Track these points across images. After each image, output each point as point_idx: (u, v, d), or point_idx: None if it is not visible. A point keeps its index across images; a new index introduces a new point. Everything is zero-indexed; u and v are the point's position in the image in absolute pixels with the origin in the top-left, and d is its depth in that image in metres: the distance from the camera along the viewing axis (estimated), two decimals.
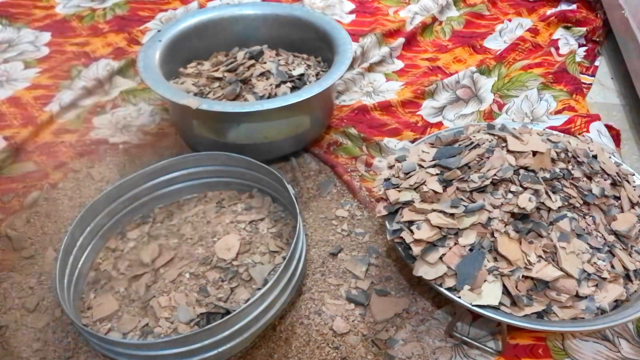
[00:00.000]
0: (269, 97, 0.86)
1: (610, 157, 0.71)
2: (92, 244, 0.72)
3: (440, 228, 0.61)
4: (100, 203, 0.73)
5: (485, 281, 0.58)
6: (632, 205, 0.66)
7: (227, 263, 0.69)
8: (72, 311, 0.62)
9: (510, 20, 1.31)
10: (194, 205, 0.81)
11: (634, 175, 0.71)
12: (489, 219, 0.61)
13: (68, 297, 0.64)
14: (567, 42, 1.21)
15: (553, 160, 0.65)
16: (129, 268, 0.71)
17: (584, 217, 0.63)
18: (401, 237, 0.62)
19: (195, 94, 0.88)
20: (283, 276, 0.62)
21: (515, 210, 0.60)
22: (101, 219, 0.73)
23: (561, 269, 0.58)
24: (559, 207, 0.62)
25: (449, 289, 0.58)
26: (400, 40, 1.20)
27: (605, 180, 0.66)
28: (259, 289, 0.65)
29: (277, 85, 0.88)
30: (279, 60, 0.95)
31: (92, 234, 0.72)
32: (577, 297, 0.58)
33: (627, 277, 0.61)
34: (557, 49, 1.19)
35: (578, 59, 1.16)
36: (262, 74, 0.90)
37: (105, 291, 0.69)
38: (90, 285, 0.70)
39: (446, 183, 0.65)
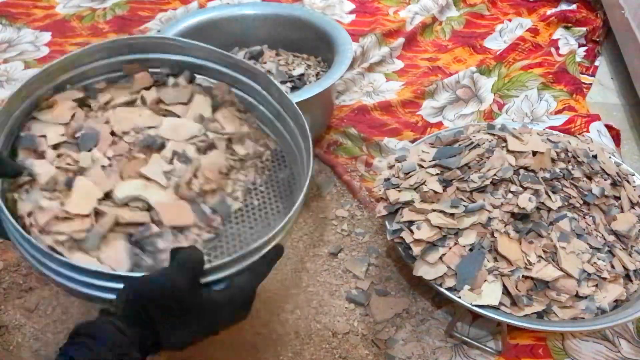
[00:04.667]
0: None
1: (610, 157, 0.71)
2: None
3: (440, 228, 0.61)
4: None
5: (485, 281, 0.58)
6: (632, 205, 0.66)
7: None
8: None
9: (510, 20, 1.31)
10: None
11: (634, 175, 0.71)
12: (489, 219, 0.61)
13: None
14: (567, 42, 1.21)
15: (553, 160, 0.65)
16: None
17: (584, 217, 0.63)
18: (401, 237, 0.62)
19: None
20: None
21: (515, 210, 0.60)
22: None
23: (561, 269, 0.58)
24: (559, 207, 0.62)
25: (449, 289, 0.58)
26: (400, 40, 1.20)
27: (605, 180, 0.66)
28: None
29: None
30: (279, 60, 0.95)
31: None
32: (577, 297, 0.58)
33: (627, 277, 0.61)
34: (557, 49, 1.19)
35: (578, 59, 1.16)
36: None
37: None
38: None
39: (446, 183, 0.65)
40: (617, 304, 0.60)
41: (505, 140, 0.67)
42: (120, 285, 0.42)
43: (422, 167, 0.68)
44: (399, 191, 0.67)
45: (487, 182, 0.62)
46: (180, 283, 0.41)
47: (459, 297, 0.57)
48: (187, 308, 0.41)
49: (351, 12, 1.35)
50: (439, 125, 1.00)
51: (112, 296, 0.42)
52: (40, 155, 0.54)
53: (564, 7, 1.34)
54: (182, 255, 0.42)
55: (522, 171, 0.63)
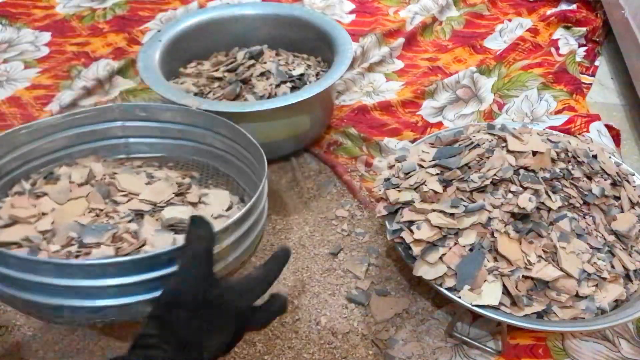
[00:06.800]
0: (269, 97, 0.86)
1: (610, 157, 0.71)
2: None
3: (440, 228, 0.61)
4: None
5: (485, 281, 0.58)
6: (632, 205, 0.66)
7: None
8: None
9: (510, 20, 1.31)
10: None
11: (634, 175, 0.71)
12: (489, 219, 0.61)
13: None
14: (567, 42, 1.21)
15: (553, 160, 0.65)
16: None
17: (584, 217, 0.63)
18: (401, 237, 0.62)
19: (196, 94, 0.88)
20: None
21: (515, 210, 0.60)
22: None
23: (561, 269, 0.58)
24: (559, 207, 0.62)
25: (449, 289, 0.58)
26: (400, 40, 1.20)
27: (605, 180, 0.66)
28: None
29: (277, 85, 0.88)
30: (279, 60, 0.95)
31: None
32: (577, 297, 0.58)
33: (627, 277, 0.61)
34: (557, 49, 1.19)
35: (578, 59, 1.16)
36: (262, 74, 0.90)
37: None
38: None
39: (446, 183, 0.65)
40: (617, 304, 0.60)
41: (505, 140, 0.67)
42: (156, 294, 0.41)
43: (422, 167, 0.68)
44: (399, 191, 0.67)
45: (487, 182, 0.62)
46: (200, 271, 0.40)
47: (459, 297, 0.57)
48: (212, 299, 0.40)
49: (351, 12, 1.35)
50: (439, 125, 1.00)
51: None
52: None
53: (564, 7, 1.34)
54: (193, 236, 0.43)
55: (522, 171, 0.63)
